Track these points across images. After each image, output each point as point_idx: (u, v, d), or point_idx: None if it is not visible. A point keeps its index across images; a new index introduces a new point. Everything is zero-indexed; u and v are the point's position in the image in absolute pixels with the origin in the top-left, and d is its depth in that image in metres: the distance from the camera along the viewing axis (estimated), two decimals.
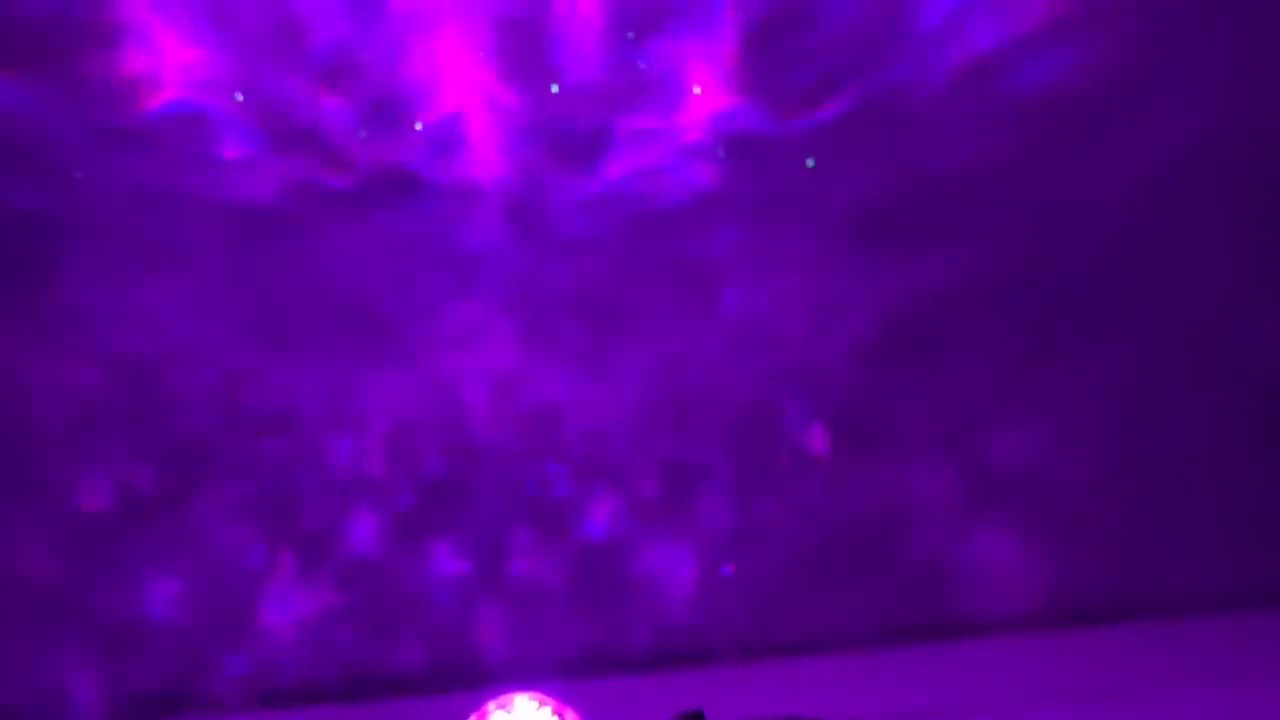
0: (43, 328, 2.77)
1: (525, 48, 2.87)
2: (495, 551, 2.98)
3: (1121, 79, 3.05)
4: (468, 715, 1.58)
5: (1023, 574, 3.10)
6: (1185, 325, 3.13)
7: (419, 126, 2.86)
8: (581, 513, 3.01)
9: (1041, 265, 3.12)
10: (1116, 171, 3.09)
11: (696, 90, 2.98)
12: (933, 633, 3.04)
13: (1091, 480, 3.13)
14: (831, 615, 3.05)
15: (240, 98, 2.75)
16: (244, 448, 2.89)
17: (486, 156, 2.89)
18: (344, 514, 2.92)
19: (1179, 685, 2.57)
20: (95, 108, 2.67)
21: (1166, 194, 3.09)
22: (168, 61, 2.68)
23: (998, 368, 3.14)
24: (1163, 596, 3.09)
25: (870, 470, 3.11)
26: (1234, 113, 3.05)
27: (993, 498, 3.13)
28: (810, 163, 3.05)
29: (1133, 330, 3.13)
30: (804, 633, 3.04)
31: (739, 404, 3.09)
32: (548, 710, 1.48)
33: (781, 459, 3.07)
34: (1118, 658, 2.86)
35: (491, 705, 1.50)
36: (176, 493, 2.84)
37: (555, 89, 2.92)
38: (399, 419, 2.91)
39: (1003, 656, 2.91)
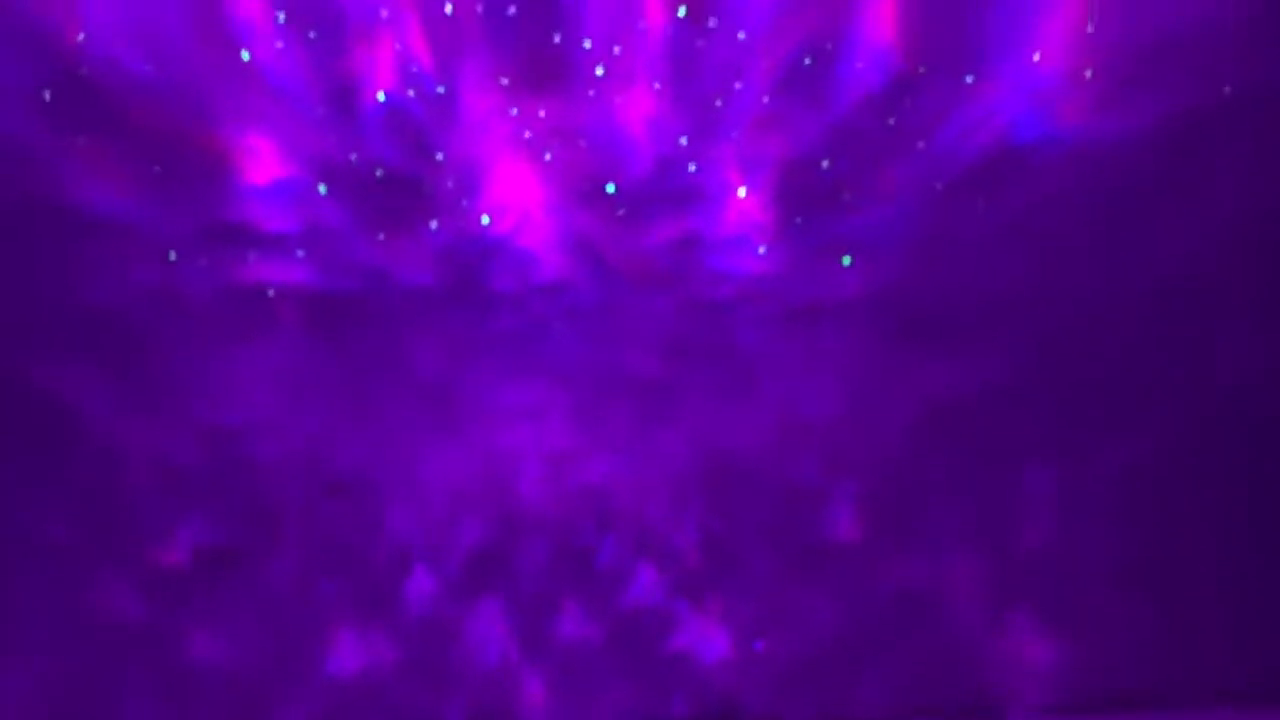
0: (138, 394, 3.01)
1: (581, 153, 3.11)
2: (541, 616, 3.15)
3: (1130, 201, 3.21)
4: None
5: (1048, 661, 3.20)
6: (1207, 422, 3.24)
7: (486, 221, 3.10)
8: (624, 583, 3.18)
9: (1065, 364, 3.26)
10: (1130, 278, 3.23)
11: (742, 192, 3.19)
12: (957, 715, 3.14)
13: (1116, 572, 3.23)
14: (859, 694, 3.17)
15: (324, 190, 3.01)
16: (314, 511, 3.09)
17: (545, 252, 3.13)
18: (402, 575, 3.11)
19: None
20: (193, 204, 2.94)
21: (1180, 296, 3.23)
22: (261, 166, 2.96)
23: (1027, 462, 3.26)
24: (1184, 688, 3.17)
25: (901, 556, 3.24)
26: (1247, 218, 3.19)
27: (1020, 587, 3.24)
28: (846, 261, 3.24)
29: (1158, 428, 3.25)
30: (832, 710, 3.16)
31: (777, 487, 3.24)
32: None
33: (816, 542, 3.22)
34: None
35: None
36: (251, 550, 3.05)
37: (611, 189, 3.15)
38: (457, 489, 3.11)
39: None
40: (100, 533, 2.98)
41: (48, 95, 2.84)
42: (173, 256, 2.96)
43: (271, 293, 3.01)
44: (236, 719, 3.05)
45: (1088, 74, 3.20)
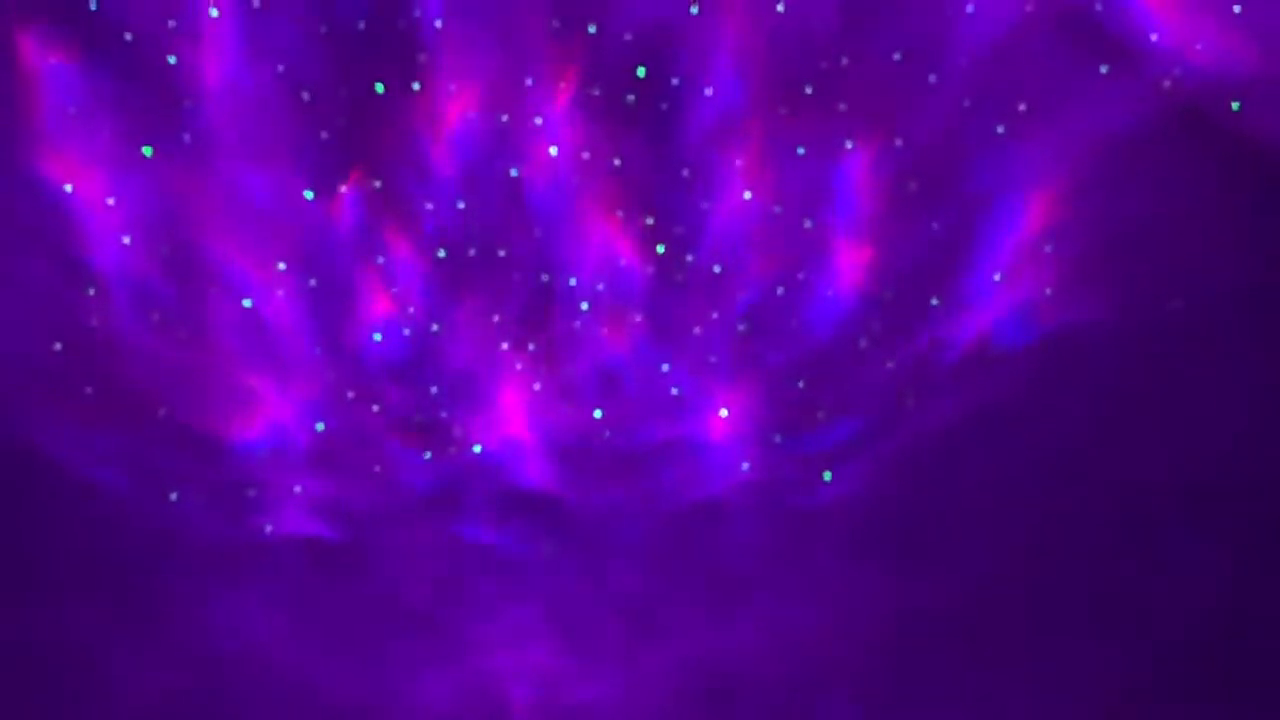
0: (135, 627, 3.06)
1: (568, 382, 3.27)
2: None
3: (1113, 400, 3.37)
4: None
5: None
6: (1191, 631, 3.32)
7: (478, 449, 3.22)
8: None
9: (1048, 571, 3.36)
10: (1102, 490, 3.36)
11: (724, 413, 3.34)
12: None
13: None
14: None
15: (321, 428, 3.14)
16: None
17: (533, 475, 3.24)
18: None
19: None
20: (193, 444, 3.07)
21: (1164, 503, 3.35)
22: (260, 407, 3.10)
23: (1011, 667, 3.33)
24: None
25: None
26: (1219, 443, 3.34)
27: None
28: (827, 476, 3.37)
29: (1137, 638, 3.33)
30: None
31: (766, 698, 3.29)
32: None
33: None
34: None
35: None
36: None
37: (599, 414, 3.29)
38: (449, 714, 3.14)
39: None
40: None
41: (58, 346, 2.99)
42: (174, 497, 3.06)
43: (269, 529, 3.10)
44: None
45: (1048, 291, 3.40)
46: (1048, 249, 3.40)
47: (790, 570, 3.33)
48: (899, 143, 3.32)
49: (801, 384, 3.37)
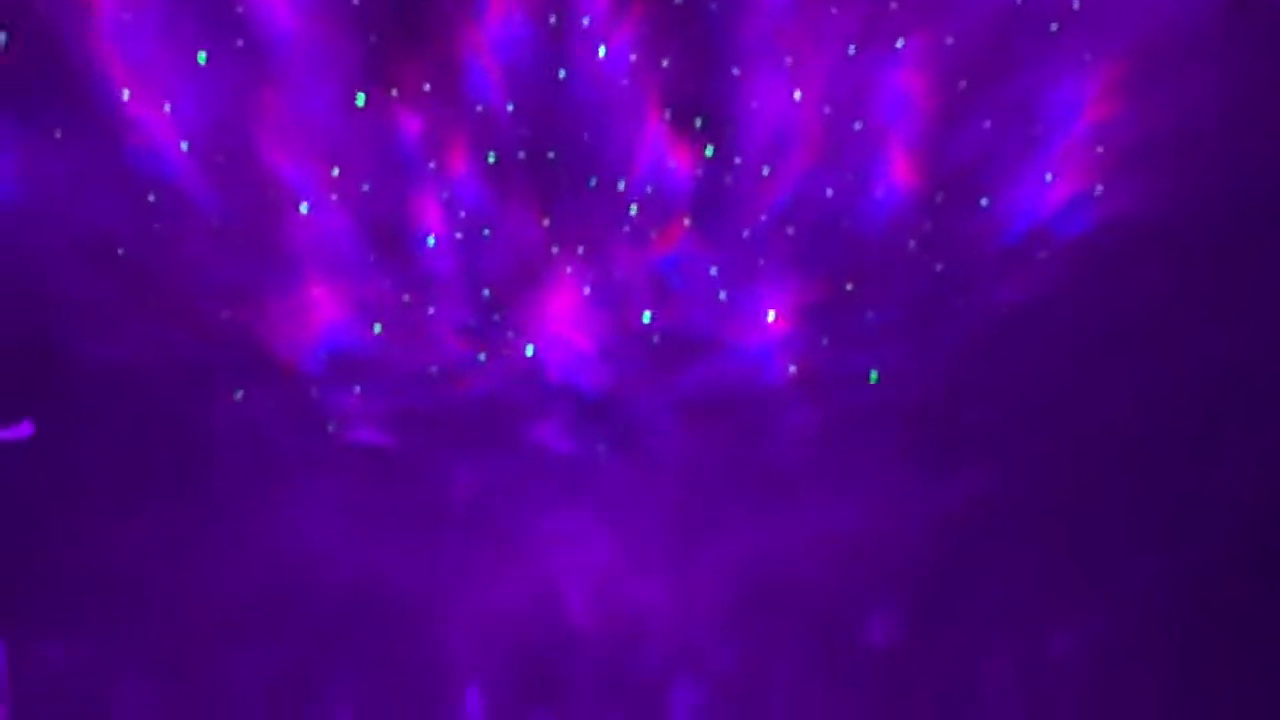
0: (198, 529, 3.16)
1: (618, 286, 3.30)
2: None
3: (1150, 311, 3.35)
4: None
5: None
6: (1238, 528, 3.33)
7: (530, 352, 3.27)
8: (668, 697, 3.28)
9: (1091, 469, 3.37)
10: (1155, 387, 3.35)
11: (771, 316, 3.36)
12: None
13: (1140, 677, 3.30)
14: None
15: (378, 329, 3.20)
16: (367, 633, 3.22)
17: (585, 378, 3.29)
18: (459, 694, 3.22)
19: None
20: (255, 344, 3.13)
21: (1202, 409, 3.34)
22: (320, 309, 3.16)
23: (1051, 569, 3.36)
24: None
25: (935, 663, 3.33)
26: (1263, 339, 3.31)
27: (1048, 691, 3.32)
28: (874, 377, 3.38)
29: (1183, 534, 3.34)
30: None
31: (812, 598, 3.35)
32: None
33: (851, 650, 3.32)
34: None
35: None
36: (310, 676, 3.18)
37: (648, 317, 3.32)
38: (507, 613, 3.23)
39: None
40: (168, 667, 3.10)
41: (121, 251, 3.06)
42: (238, 396, 3.14)
43: (332, 427, 3.17)
44: None
45: (1098, 190, 3.36)
46: (1099, 149, 3.36)
47: (838, 470, 3.36)
48: (950, 41, 3.28)
49: (849, 286, 3.37)
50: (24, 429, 2.23)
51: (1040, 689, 3.30)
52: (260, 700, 3.16)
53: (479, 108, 3.19)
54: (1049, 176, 3.36)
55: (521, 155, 3.23)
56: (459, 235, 3.23)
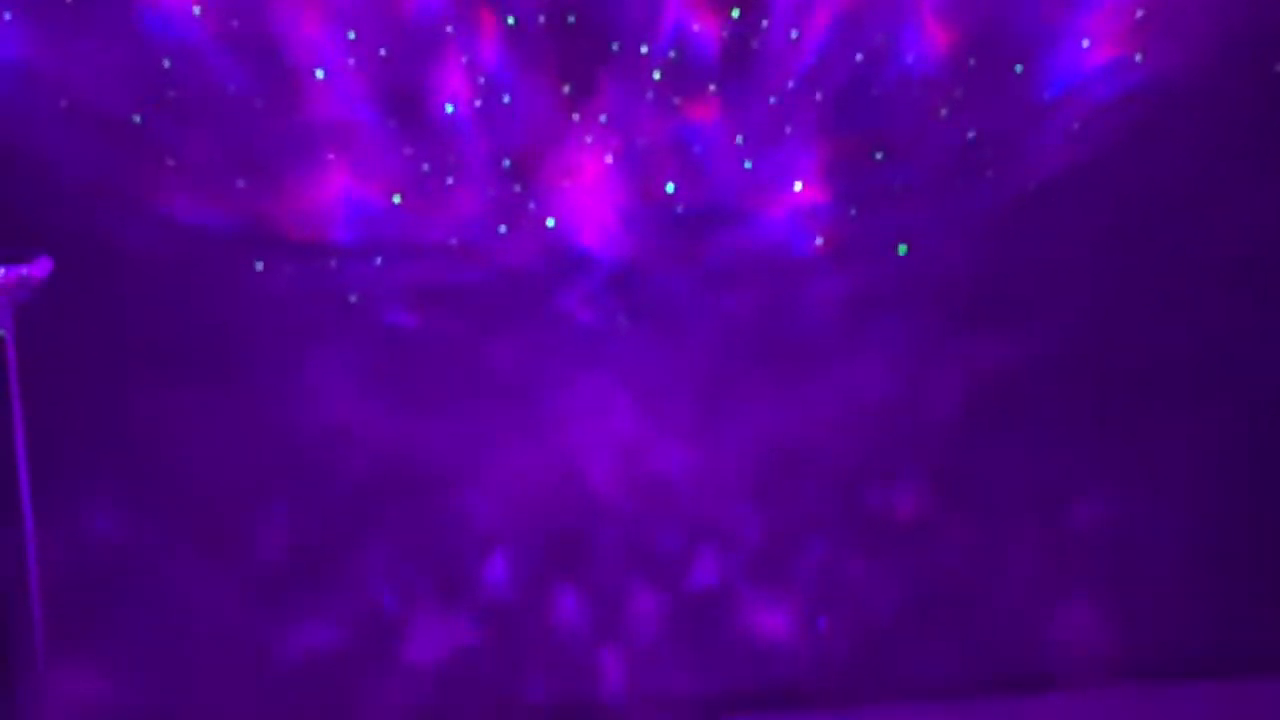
0: (226, 400, 3.17)
1: (640, 154, 3.23)
2: (614, 599, 3.30)
3: (1195, 164, 3.27)
4: None
5: (1105, 633, 3.30)
6: (1264, 397, 3.31)
7: (551, 223, 3.23)
8: (688, 566, 3.32)
9: (1121, 337, 3.33)
10: (1193, 248, 3.29)
11: (798, 186, 3.29)
12: (1015, 686, 3.26)
13: (1178, 545, 3.31)
14: (919, 669, 3.29)
15: (398, 200, 3.16)
16: (392, 502, 3.25)
17: (607, 250, 3.25)
18: (479, 564, 3.26)
19: None
20: (273, 216, 3.10)
21: (1240, 269, 3.29)
22: (337, 179, 3.12)
23: (1082, 436, 3.35)
24: (1241, 658, 3.27)
25: (960, 532, 3.35)
26: None
27: (1076, 560, 3.34)
28: (903, 249, 3.33)
29: (1211, 402, 3.31)
30: (894, 683, 3.29)
31: (838, 469, 3.35)
32: None
33: (875, 521, 3.34)
34: (1195, 713, 3.03)
35: None
36: (335, 545, 3.22)
37: (670, 188, 3.26)
38: (529, 484, 3.25)
39: (1079, 708, 3.11)
40: (193, 536, 3.15)
41: (138, 118, 3.01)
42: (259, 266, 3.12)
43: (354, 299, 3.16)
44: (325, 709, 3.22)
45: (1138, 57, 3.26)
46: (1139, 13, 3.24)
47: (866, 343, 3.34)
48: None
49: (879, 155, 3.30)
50: (42, 265, 2.21)
51: (1064, 559, 3.32)
52: (291, 568, 3.20)
53: None
54: (1086, 42, 3.25)
55: (541, 19, 3.14)
56: (478, 103, 3.16)
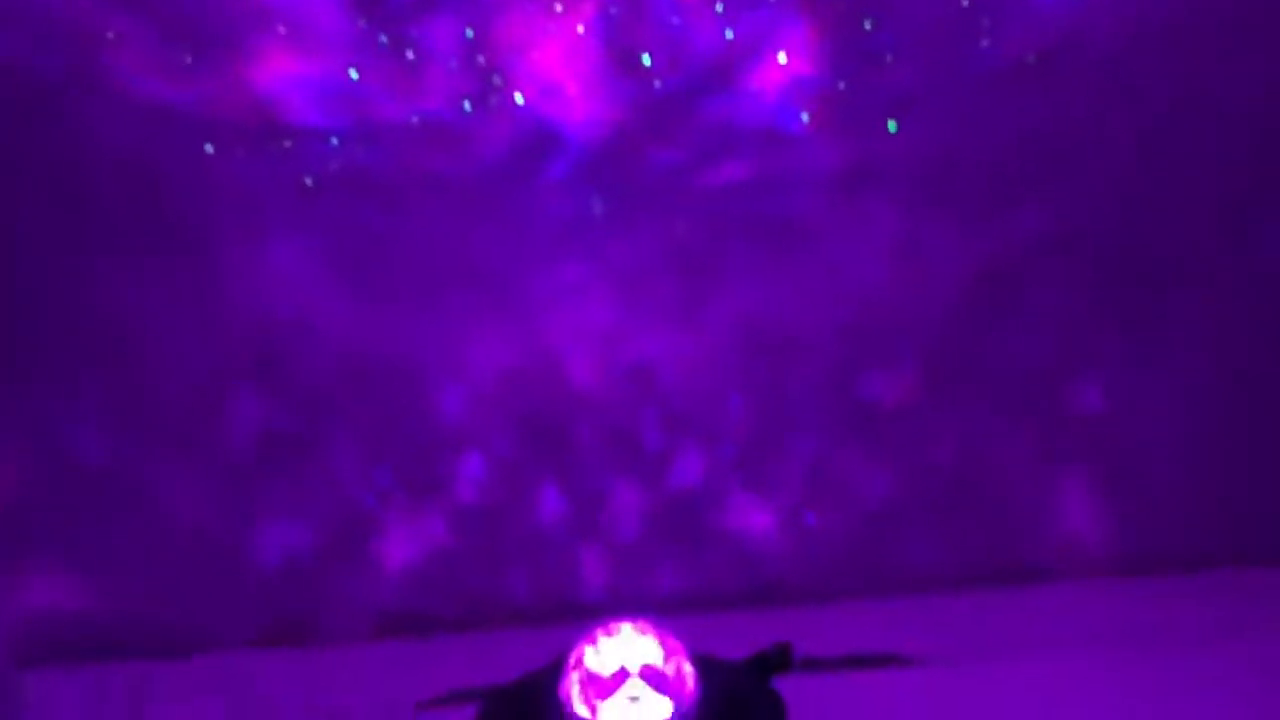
0: (182, 289, 3.00)
1: (614, 25, 3.02)
2: (593, 495, 3.18)
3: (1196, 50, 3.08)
4: (575, 642, 1.71)
5: (1097, 521, 3.21)
6: (1263, 285, 3.17)
7: (520, 100, 3.03)
8: (671, 462, 3.19)
9: (1122, 221, 3.17)
10: (1195, 128, 3.11)
11: (782, 58, 3.09)
12: (1009, 578, 3.17)
13: (1173, 434, 3.20)
14: (909, 561, 3.19)
15: (355, 75, 2.95)
16: (359, 396, 3.10)
17: (580, 128, 3.05)
18: (452, 458, 3.13)
19: (1254, 633, 2.64)
20: (225, 95, 2.89)
21: (1246, 153, 3.12)
22: (291, 55, 2.90)
23: (1078, 323, 3.21)
24: (1237, 547, 3.17)
25: (949, 422, 3.22)
26: None
27: (1072, 450, 3.23)
28: (892, 126, 3.15)
29: (1211, 290, 3.17)
30: (882, 577, 3.18)
31: (825, 357, 3.21)
32: (651, 638, 1.61)
33: (864, 410, 3.20)
34: (1189, 604, 2.94)
35: (599, 633, 1.64)
36: (299, 440, 3.08)
37: (647, 60, 3.06)
38: (505, 371, 3.10)
39: (1073, 600, 3.03)
40: (154, 430, 3.01)
41: None
42: (209, 149, 2.92)
43: (309, 181, 2.97)
44: (295, 605, 3.11)
45: None
46: None
47: (853, 224, 3.17)
48: None
49: (868, 24, 3.09)
50: None
51: (1060, 446, 3.20)
52: (263, 464, 3.07)
53: None
54: None
55: None
56: None
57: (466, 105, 3.02)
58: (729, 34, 3.07)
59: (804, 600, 3.17)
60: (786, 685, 1.92)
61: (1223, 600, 2.94)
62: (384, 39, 2.95)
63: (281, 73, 2.91)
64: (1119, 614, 2.92)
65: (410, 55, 2.97)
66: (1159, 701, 2.31)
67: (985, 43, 3.10)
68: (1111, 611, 2.95)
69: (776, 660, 2.10)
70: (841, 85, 3.12)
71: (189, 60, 2.88)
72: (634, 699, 1.56)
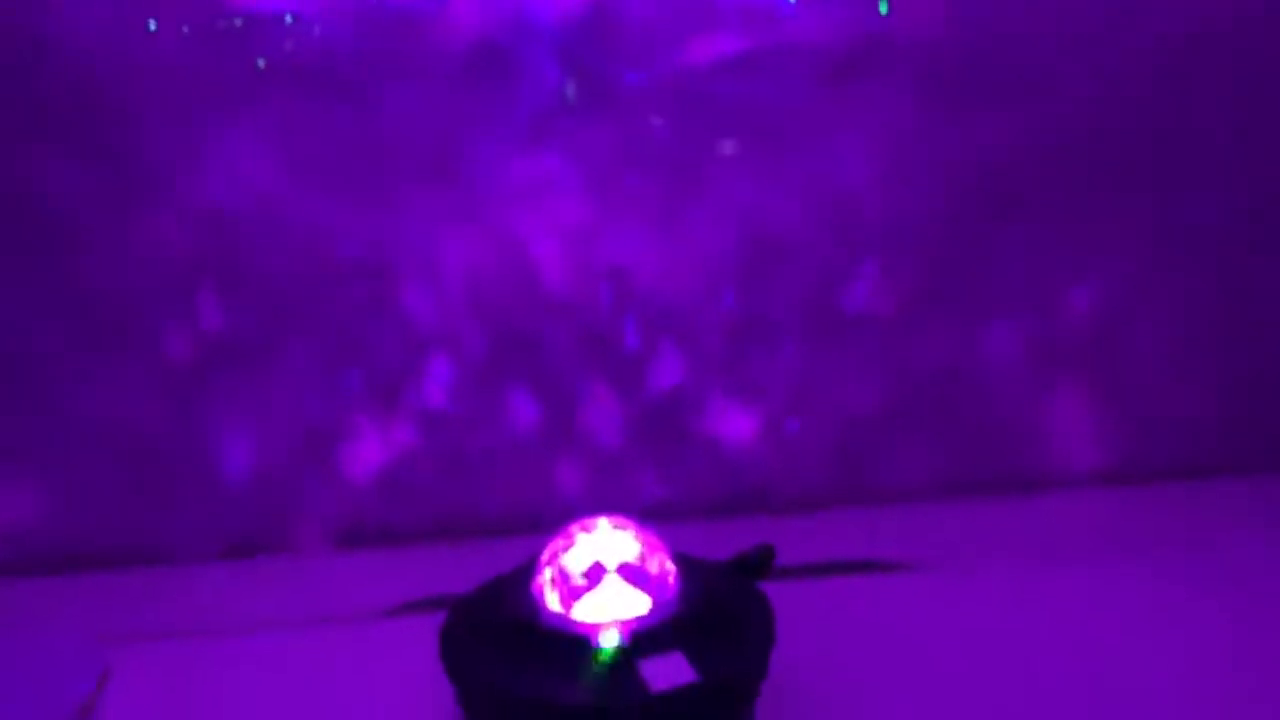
0: (124, 180, 2.81)
1: None
2: (567, 401, 3.05)
3: None
4: (550, 540, 1.62)
5: (1092, 431, 3.12)
6: (1266, 187, 3.05)
7: None
8: (650, 367, 3.06)
9: (1114, 122, 3.02)
10: (1188, 27, 2.96)
11: None
12: (997, 488, 3.08)
13: (1170, 339, 3.10)
14: (896, 470, 3.09)
15: None
16: (321, 298, 2.94)
17: (553, 12, 2.86)
18: (420, 362, 2.98)
19: (1250, 541, 2.57)
20: None
21: (1246, 48, 2.96)
22: None
23: (1071, 226, 3.08)
24: (1233, 457, 3.10)
25: (939, 327, 3.10)
26: None
27: (1063, 355, 3.12)
28: (883, 8, 2.97)
29: (1208, 192, 3.04)
30: (869, 487, 3.09)
31: (808, 260, 3.07)
32: (630, 533, 1.52)
33: (850, 316, 3.08)
34: (1188, 512, 2.89)
35: (575, 528, 1.54)
36: (259, 343, 2.92)
37: None
38: (468, 270, 2.94)
39: (1066, 509, 2.96)
40: (104, 333, 2.84)
41: None
42: (152, 26, 2.71)
43: (262, 63, 2.76)
44: (259, 517, 2.99)
45: None
46: None
47: (840, 120, 2.99)
48: None
49: None
50: None
51: (1050, 352, 3.08)
52: (219, 371, 2.91)
53: None
54: None
55: None
56: None
57: None
58: None
59: (788, 509, 3.07)
60: (768, 589, 1.84)
61: (1219, 509, 2.89)
62: None
63: None
64: (1112, 523, 2.86)
65: None
66: (1153, 610, 2.24)
67: None
68: (1105, 520, 2.88)
69: (758, 562, 2.01)
70: None
71: None
72: (611, 595, 1.45)
